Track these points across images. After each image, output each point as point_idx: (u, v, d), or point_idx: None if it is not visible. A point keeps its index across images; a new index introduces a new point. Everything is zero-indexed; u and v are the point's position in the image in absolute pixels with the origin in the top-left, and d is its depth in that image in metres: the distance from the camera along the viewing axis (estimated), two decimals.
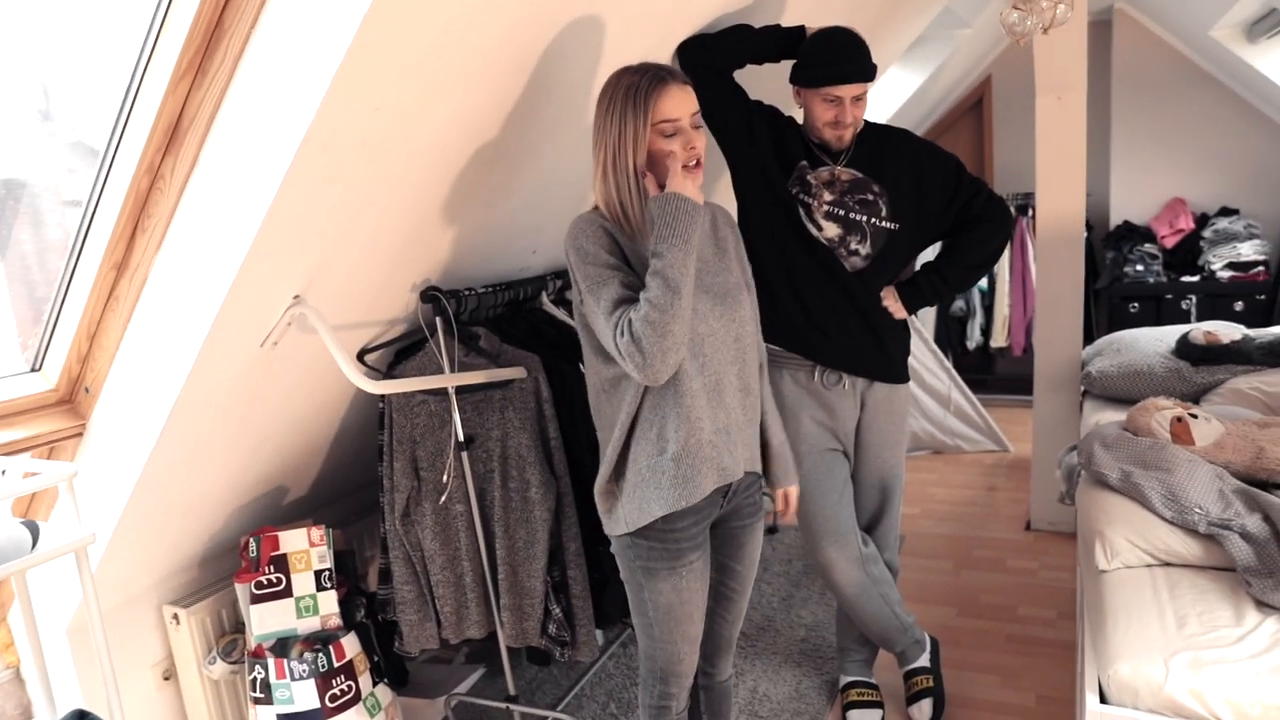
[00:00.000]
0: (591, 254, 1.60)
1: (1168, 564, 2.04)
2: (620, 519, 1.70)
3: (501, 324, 2.43)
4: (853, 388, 2.29)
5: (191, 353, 1.67)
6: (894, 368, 2.32)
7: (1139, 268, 4.99)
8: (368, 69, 1.35)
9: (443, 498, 2.30)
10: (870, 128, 2.25)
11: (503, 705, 2.44)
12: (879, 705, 2.47)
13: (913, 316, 2.47)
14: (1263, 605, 1.82)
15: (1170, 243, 5.06)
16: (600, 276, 1.58)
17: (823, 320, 2.23)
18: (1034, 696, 2.51)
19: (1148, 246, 5.05)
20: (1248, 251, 4.82)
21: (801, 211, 2.20)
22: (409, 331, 2.35)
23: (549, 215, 2.42)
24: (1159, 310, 4.92)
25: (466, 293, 2.24)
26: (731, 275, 1.73)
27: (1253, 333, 3.36)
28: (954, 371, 4.73)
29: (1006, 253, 5.17)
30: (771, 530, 3.87)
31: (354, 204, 1.66)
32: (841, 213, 2.20)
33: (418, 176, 1.76)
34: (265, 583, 2.21)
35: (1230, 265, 4.83)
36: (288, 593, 2.22)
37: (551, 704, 2.65)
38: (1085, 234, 3.60)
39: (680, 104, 1.58)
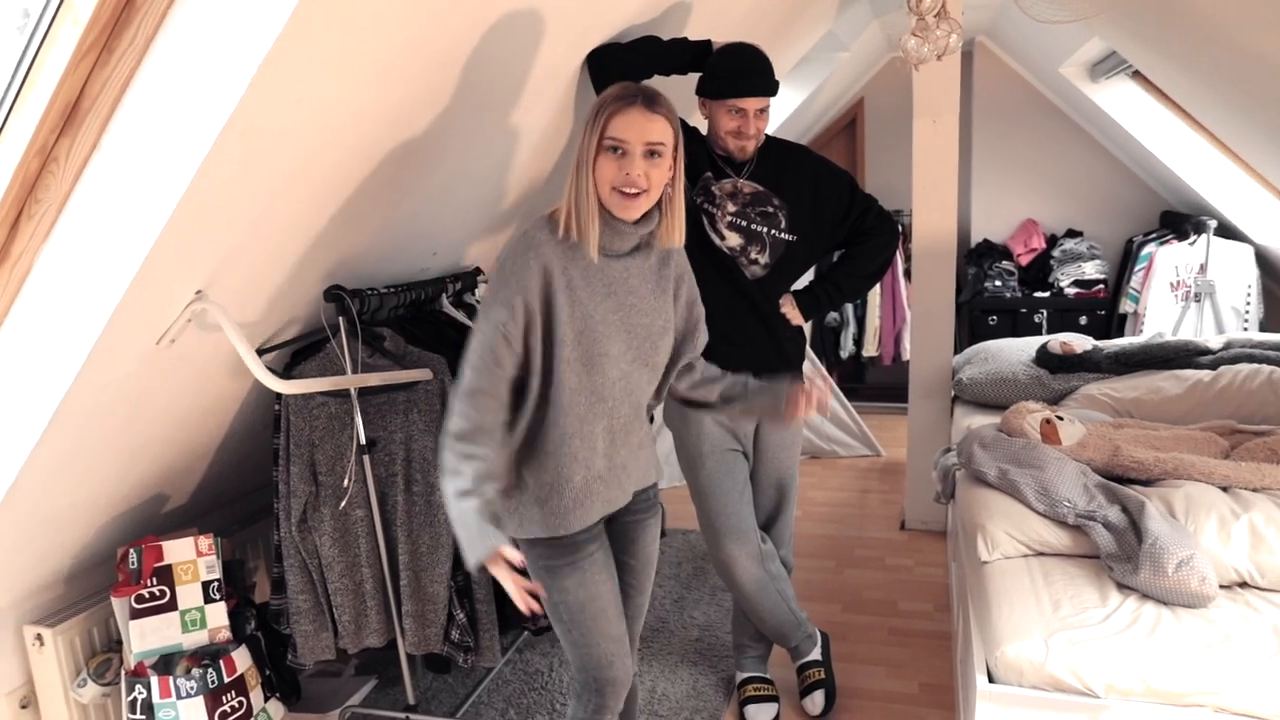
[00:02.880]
0: (506, 283, 1.57)
1: (1041, 553, 2.21)
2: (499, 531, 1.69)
3: (405, 325, 2.38)
4: None
5: (82, 350, 1.57)
6: (792, 372, 2.41)
7: (997, 283, 5.36)
8: (296, 59, 1.31)
9: (343, 503, 2.23)
10: (771, 143, 2.34)
11: (401, 715, 2.39)
12: (775, 699, 2.55)
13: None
14: (1123, 587, 2.00)
15: (1025, 260, 5.46)
16: (499, 300, 1.57)
17: (726, 326, 2.28)
18: (917, 684, 2.66)
19: (1005, 264, 5.43)
20: (1090, 270, 5.26)
21: (705, 221, 2.27)
22: (308, 331, 2.27)
23: (453, 216, 2.40)
24: (1015, 323, 5.29)
25: (370, 293, 2.19)
26: (660, 317, 1.72)
27: (1101, 344, 3.67)
28: (830, 379, 4.93)
29: None
30: (660, 534, 3.92)
31: (266, 197, 1.60)
32: (744, 224, 2.28)
33: (331, 170, 1.71)
34: (147, 596, 2.09)
35: (1076, 283, 5.26)
36: (172, 606, 2.11)
37: (449, 712, 2.60)
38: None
39: (633, 128, 1.55)
